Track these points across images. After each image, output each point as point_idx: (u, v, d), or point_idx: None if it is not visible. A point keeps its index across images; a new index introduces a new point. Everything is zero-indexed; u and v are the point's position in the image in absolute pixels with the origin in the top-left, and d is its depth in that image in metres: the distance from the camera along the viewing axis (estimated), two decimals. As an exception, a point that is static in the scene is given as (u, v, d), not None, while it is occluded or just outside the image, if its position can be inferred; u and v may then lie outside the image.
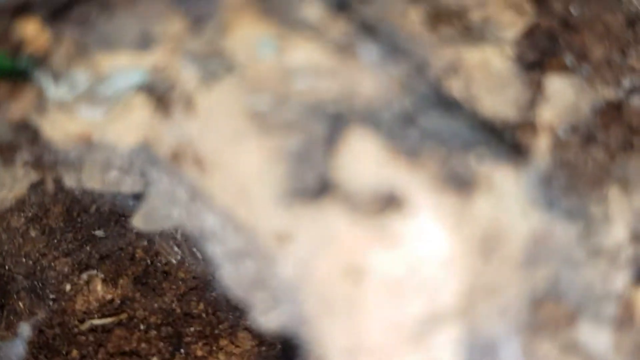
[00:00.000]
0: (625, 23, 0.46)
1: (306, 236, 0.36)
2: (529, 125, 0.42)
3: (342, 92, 0.35)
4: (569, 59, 0.44)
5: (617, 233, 0.40)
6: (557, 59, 0.44)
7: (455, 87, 0.41)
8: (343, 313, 0.35)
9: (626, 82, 0.46)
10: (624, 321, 0.38)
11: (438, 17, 0.42)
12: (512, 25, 0.44)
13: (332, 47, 0.35)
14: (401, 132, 0.35)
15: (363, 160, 0.34)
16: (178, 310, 0.65)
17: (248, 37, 0.36)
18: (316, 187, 0.35)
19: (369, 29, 0.37)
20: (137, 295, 0.65)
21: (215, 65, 0.37)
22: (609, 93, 0.44)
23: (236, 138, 0.37)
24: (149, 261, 0.65)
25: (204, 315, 0.64)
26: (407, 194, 0.35)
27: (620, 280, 0.39)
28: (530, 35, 0.44)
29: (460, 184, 0.35)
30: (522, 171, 0.37)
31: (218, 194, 0.39)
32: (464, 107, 0.39)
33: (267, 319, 0.39)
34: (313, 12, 0.36)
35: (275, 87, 0.36)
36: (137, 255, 0.65)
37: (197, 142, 0.39)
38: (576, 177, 0.41)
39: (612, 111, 0.44)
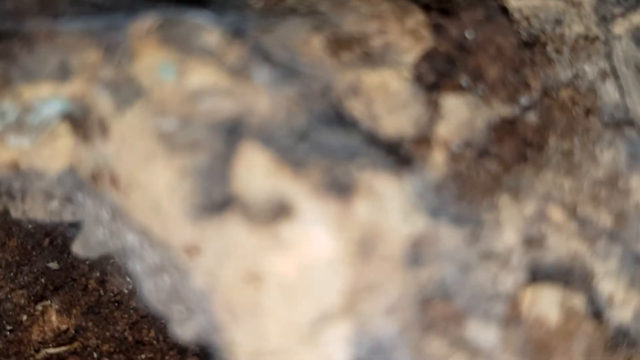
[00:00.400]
0: (520, 45, 0.50)
1: (212, 248, 0.38)
2: (424, 140, 0.45)
3: (238, 110, 0.38)
4: (464, 79, 0.47)
5: (507, 238, 0.43)
6: (452, 80, 0.47)
7: (356, 107, 0.45)
8: (247, 318, 0.38)
9: (523, 100, 0.49)
10: (511, 319, 0.40)
11: (339, 44, 0.46)
12: (410, 50, 0.47)
13: (228, 70, 0.39)
14: (291, 146, 0.38)
15: (256, 173, 0.37)
16: (130, 338, 0.67)
17: (151, 64, 0.39)
18: (219, 201, 0.38)
19: (263, 54, 0.40)
20: (90, 324, 0.67)
21: (127, 91, 0.41)
22: (504, 110, 0.48)
23: (147, 159, 0.40)
24: (101, 291, 0.68)
25: (154, 342, 0.67)
26: (294, 202, 0.37)
27: (511, 281, 0.42)
28: (427, 58, 0.47)
29: (341, 191, 0.38)
30: (407, 180, 0.40)
31: (135, 212, 0.42)
32: (358, 125, 0.42)
33: (183, 330, 0.41)
34: (211, 39, 0.39)
35: (178, 109, 0.39)
36: (89, 286, 0.68)
37: (114, 164, 0.42)
38: (468, 187, 0.44)
39: (507, 126, 0.47)
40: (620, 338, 0.44)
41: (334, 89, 0.44)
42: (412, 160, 0.42)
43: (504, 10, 0.50)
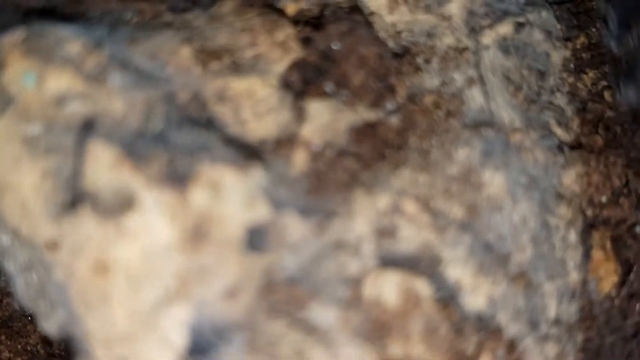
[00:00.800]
0: (387, 55, 0.53)
1: (68, 242, 0.41)
2: (287, 141, 0.48)
3: (91, 112, 0.41)
4: (329, 86, 0.51)
5: (359, 229, 0.46)
6: (318, 87, 0.50)
7: (224, 112, 0.48)
8: (99, 307, 0.40)
9: (388, 105, 0.52)
10: (352, 301, 0.42)
11: (208, 54, 0.49)
12: (279, 60, 0.51)
13: (84, 76, 0.42)
14: (137, 143, 0.41)
15: (102, 169, 0.40)
16: (42, 352, 0.69)
17: (16, 73, 0.42)
18: (73, 198, 0.41)
19: (121, 62, 0.43)
20: (3, 337, 0.69)
21: (1, 100, 0.44)
22: (368, 114, 0.51)
23: (16, 162, 0.43)
24: (15, 305, 0.69)
25: (64, 354, 0.68)
26: (136, 194, 0.40)
27: (357, 267, 0.44)
28: (296, 68, 0.51)
29: (179, 181, 0.40)
30: (254, 174, 0.43)
31: (7, 213, 0.44)
32: (220, 127, 0.45)
33: (49, 324, 0.44)
34: (73, 49, 0.42)
35: (41, 114, 0.42)
36: (4, 301, 0.70)
37: (-9, 169, 0.44)
38: (324, 183, 0.47)
39: (369, 129, 0.51)
40: (471, 323, 0.46)
41: (200, 94, 0.47)
42: (265, 158, 0.45)
43: (369, 24, 0.53)
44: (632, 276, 0.54)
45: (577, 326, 0.52)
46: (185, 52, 0.48)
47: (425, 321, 0.44)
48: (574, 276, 0.52)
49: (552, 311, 0.51)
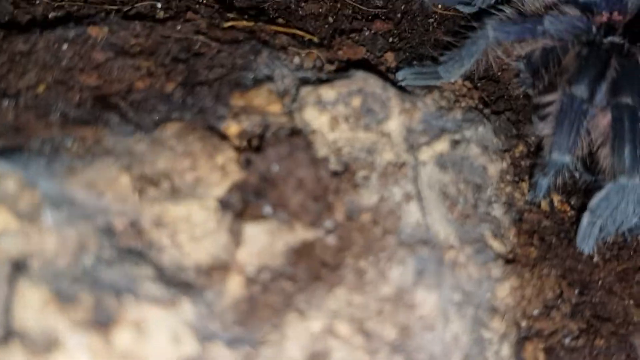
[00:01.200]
0: (325, 175, 0.55)
1: (1, 374, 0.42)
2: (222, 267, 0.49)
3: (24, 251, 0.43)
4: (267, 208, 0.52)
5: (290, 355, 0.47)
6: (255, 209, 0.52)
7: (161, 238, 0.49)
8: None
9: (327, 223, 0.54)
10: None
11: (147, 181, 0.51)
12: (219, 184, 0.53)
13: (18, 214, 0.43)
14: (66, 283, 0.42)
15: (31, 309, 0.41)
16: None
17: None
18: (6, 332, 0.42)
19: (55, 198, 0.45)
20: None
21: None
22: (307, 233, 0.53)
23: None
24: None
25: None
26: (62, 336, 0.41)
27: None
28: (235, 190, 0.53)
29: (104, 323, 0.42)
30: (183, 308, 0.45)
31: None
32: (153, 257, 0.46)
33: None
34: (8, 185, 0.44)
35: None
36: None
37: None
38: (256, 309, 0.48)
39: (306, 249, 0.52)
40: None
41: (137, 222, 0.49)
42: (198, 288, 0.46)
43: (309, 145, 0.56)
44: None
45: None
46: (124, 180, 0.50)
47: None
48: (508, 393, 0.53)
49: None
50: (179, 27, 0.64)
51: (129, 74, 0.58)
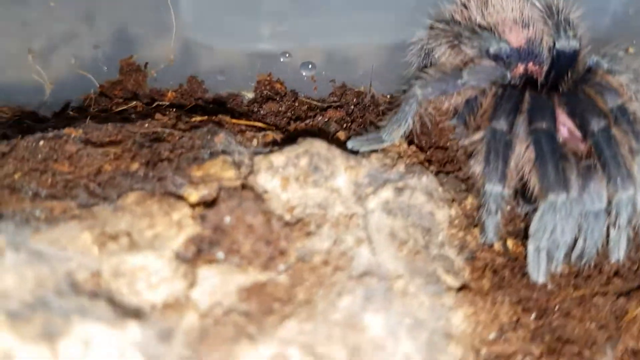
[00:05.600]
0: (278, 224, 0.60)
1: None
2: (175, 303, 0.52)
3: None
4: (220, 254, 0.56)
5: None
6: (209, 255, 0.56)
7: (119, 285, 0.53)
8: None
9: (280, 266, 0.57)
10: None
11: (108, 237, 0.56)
12: (176, 237, 0.57)
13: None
14: (22, 310, 0.46)
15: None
16: None
17: None
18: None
19: (17, 245, 0.50)
20: None
21: None
22: (259, 275, 0.56)
23: None
24: None
25: None
26: (13, 350, 0.44)
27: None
28: (190, 242, 0.57)
29: (50, 337, 0.45)
30: (127, 331, 0.47)
31: None
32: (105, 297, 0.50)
33: None
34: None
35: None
36: None
37: None
38: (206, 337, 0.50)
39: (258, 287, 0.55)
40: None
41: (97, 272, 0.53)
42: (148, 318, 0.49)
43: (258, 197, 0.60)
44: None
45: None
46: (86, 236, 0.55)
47: None
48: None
49: None
50: (146, 125, 0.71)
51: (98, 159, 0.65)
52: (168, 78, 0.88)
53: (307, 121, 0.80)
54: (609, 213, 0.61)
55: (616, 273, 0.65)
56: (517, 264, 0.65)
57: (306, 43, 0.85)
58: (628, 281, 0.65)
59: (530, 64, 0.68)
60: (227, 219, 0.58)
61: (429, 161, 0.73)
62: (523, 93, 0.62)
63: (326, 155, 0.65)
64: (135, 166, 0.65)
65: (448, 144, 0.73)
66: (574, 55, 0.68)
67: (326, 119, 0.81)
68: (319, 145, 0.66)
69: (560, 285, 0.63)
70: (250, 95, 0.87)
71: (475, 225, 0.68)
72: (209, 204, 0.60)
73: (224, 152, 0.66)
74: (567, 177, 0.59)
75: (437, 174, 0.71)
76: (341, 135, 0.76)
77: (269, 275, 0.56)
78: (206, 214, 0.59)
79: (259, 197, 0.61)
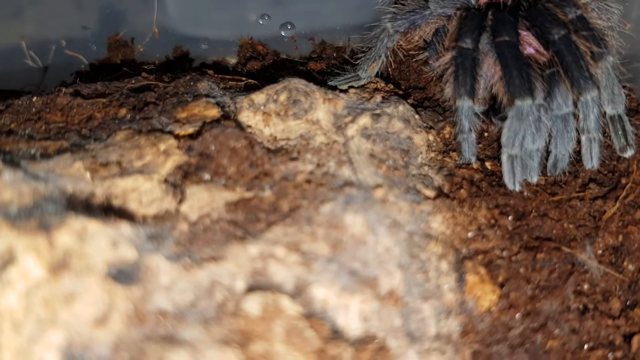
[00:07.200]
0: (261, 150, 0.63)
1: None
2: (166, 214, 0.55)
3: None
4: (206, 175, 0.59)
5: (230, 270, 0.51)
6: (196, 177, 0.59)
7: (112, 205, 0.56)
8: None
9: (264, 184, 0.60)
10: (218, 317, 0.46)
11: (99, 165, 0.59)
12: (164, 164, 0.60)
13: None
14: (19, 214, 0.49)
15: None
16: None
17: None
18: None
19: (11, 163, 0.53)
20: None
21: None
22: (245, 192, 0.59)
23: None
24: None
25: None
26: (13, 246, 0.47)
27: (224, 298, 0.49)
28: (178, 168, 0.60)
29: (46, 229, 0.47)
30: (119, 227, 0.50)
31: None
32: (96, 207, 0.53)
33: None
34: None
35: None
36: None
37: None
38: (196, 238, 0.53)
39: (244, 202, 0.58)
40: (344, 335, 0.49)
41: (90, 194, 0.56)
42: (139, 222, 0.52)
43: (239, 125, 0.64)
44: (506, 289, 0.57)
45: (460, 340, 0.54)
46: (78, 165, 0.58)
47: (286, 326, 0.47)
48: (450, 297, 0.55)
49: (431, 328, 0.53)
50: (133, 81, 0.75)
51: (88, 109, 0.68)
52: (155, 51, 0.92)
53: (289, 72, 0.83)
54: (577, 118, 0.64)
55: (592, 180, 0.68)
56: (495, 178, 0.68)
57: (285, 3, 0.88)
58: (605, 186, 0.67)
59: (495, -7, 0.72)
60: (212, 147, 0.61)
61: (407, 96, 0.76)
62: (487, 14, 0.66)
63: (304, 90, 0.68)
64: (123, 112, 0.68)
65: (427, 85, 0.76)
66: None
67: (307, 70, 0.84)
68: (297, 81, 0.69)
69: (537, 192, 0.65)
70: (234, 60, 0.91)
71: (454, 150, 0.71)
72: (194, 136, 0.63)
73: (206, 95, 0.69)
74: (532, 83, 0.62)
75: (415, 107, 0.74)
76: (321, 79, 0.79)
77: (254, 192, 0.59)
78: (192, 144, 0.62)
79: (239, 124, 0.64)
